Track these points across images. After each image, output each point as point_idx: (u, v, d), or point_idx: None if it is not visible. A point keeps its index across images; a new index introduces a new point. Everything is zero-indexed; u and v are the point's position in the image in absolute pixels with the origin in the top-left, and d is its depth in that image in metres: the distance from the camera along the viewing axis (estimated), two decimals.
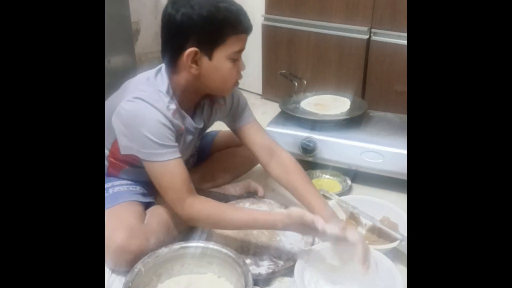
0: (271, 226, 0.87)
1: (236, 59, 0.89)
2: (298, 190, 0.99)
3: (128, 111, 0.86)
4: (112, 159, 1.00)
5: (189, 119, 0.96)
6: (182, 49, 0.85)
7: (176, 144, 0.90)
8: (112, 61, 1.57)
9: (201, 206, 0.89)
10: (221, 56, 0.86)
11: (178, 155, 0.89)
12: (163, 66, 0.93)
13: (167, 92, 0.90)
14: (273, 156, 1.04)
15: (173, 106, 0.90)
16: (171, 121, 0.89)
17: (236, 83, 0.94)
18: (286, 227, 0.85)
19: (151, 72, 0.93)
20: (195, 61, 0.86)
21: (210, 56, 0.86)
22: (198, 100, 0.99)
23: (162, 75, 0.91)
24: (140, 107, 0.86)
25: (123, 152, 0.90)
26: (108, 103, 0.93)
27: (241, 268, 0.81)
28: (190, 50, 0.84)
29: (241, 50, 0.89)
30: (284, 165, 1.02)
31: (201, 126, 1.01)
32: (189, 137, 0.99)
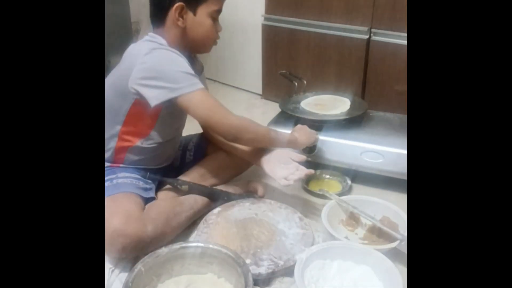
0: (286, 137, 1.10)
1: (215, 18, 1.03)
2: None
3: (152, 62, 0.94)
4: (124, 131, 1.03)
5: None
6: (170, 5, 0.98)
7: None
8: (112, 61, 1.57)
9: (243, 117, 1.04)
10: (203, 12, 1.00)
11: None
12: (151, 33, 1.03)
13: (169, 46, 0.99)
14: None
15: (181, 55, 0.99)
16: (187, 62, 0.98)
17: (215, 42, 1.07)
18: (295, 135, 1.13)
19: (144, 38, 1.03)
20: (181, 15, 0.99)
21: (194, 12, 1.00)
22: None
23: (155, 36, 1.01)
24: (161, 52, 0.96)
25: (155, 103, 0.93)
26: (109, 79, 1.00)
27: (241, 268, 0.81)
28: (178, 4, 0.98)
29: (219, 10, 1.03)
30: None
31: None
32: None
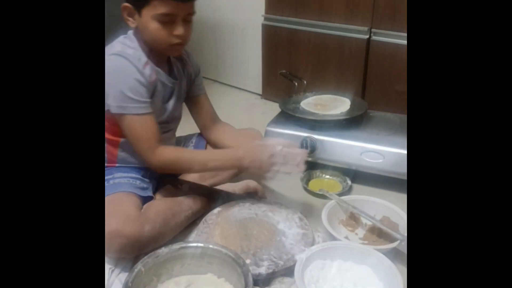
0: (233, 159, 1.01)
1: (166, 21, 0.93)
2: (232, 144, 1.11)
3: (106, 70, 0.89)
4: (108, 134, 1.03)
5: (162, 73, 1.02)
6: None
7: (149, 100, 0.97)
8: None
9: (170, 152, 1.00)
10: (147, 15, 0.94)
11: (150, 110, 0.97)
12: (130, 31, 1.02)
13: (138, 46, 0.99)
14: (214, 123, 1.19)
15: (144, 59, 0.97)
16: (142, 74, 0.95)
17: (176, 45, 0.98)
18: (244, 160, 0.98)
19: (120, 37, 1.02)
20: (131, 15, 0.97)
21: (139, 14, 0.95)
22: (165, 57, 1.06)
23: (129, 36, 1.01)
24: (116, 64, 0.94)
25: (111, 110, 0.94)
26: None
27: (241, 268, 0.81)
28: (124, 5, 0.97)
29: (169, 14, 0.92)
30: (223, 130, 1.19)
31: (176, 80, 1.07)
32: (167, 92, 1.06)
